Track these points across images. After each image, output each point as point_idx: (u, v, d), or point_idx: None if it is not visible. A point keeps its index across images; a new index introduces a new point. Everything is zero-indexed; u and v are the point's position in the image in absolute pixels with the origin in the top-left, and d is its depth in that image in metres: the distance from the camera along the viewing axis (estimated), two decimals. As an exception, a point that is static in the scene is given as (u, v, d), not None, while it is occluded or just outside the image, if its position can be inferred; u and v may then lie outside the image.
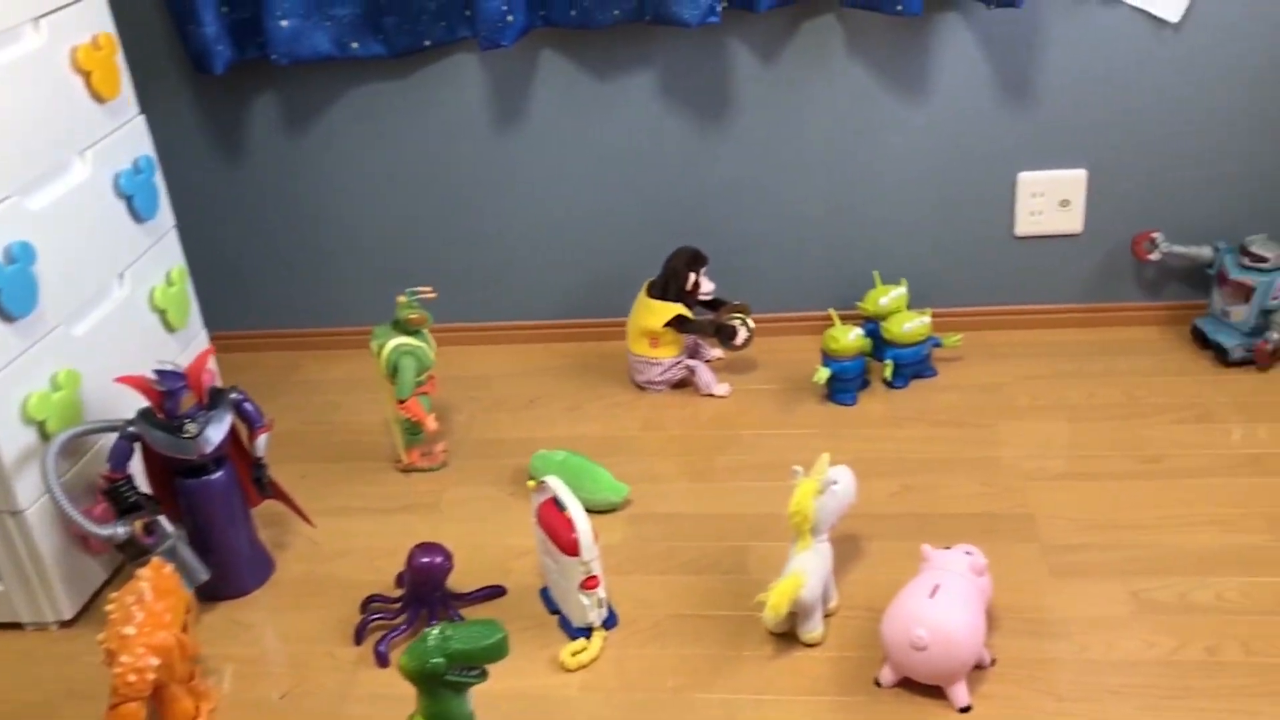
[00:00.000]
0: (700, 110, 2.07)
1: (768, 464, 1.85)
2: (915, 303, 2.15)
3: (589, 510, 1.50)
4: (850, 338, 1.95)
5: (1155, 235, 2.02)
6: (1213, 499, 1.66)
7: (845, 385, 1.99)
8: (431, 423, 1.84)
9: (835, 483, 1.48)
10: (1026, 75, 1.97)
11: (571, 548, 1.46)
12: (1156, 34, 1.92)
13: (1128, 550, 1.58)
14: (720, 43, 2.01)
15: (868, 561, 1.62)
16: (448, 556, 1.54)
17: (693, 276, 2.00)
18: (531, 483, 1.53)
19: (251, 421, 1.67)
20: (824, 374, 1.95)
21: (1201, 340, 2.03)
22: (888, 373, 2.00)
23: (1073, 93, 1.97)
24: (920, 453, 1.85)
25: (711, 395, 2.06)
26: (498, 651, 1.22)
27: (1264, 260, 1.91)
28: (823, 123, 2.05)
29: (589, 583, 1.49)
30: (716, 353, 2.13)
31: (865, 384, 2.03)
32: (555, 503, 1.50)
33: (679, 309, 2.01)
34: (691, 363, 2.06)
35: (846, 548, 1.63)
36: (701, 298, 2.04)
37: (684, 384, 2.09)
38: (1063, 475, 1.75)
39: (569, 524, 1.47)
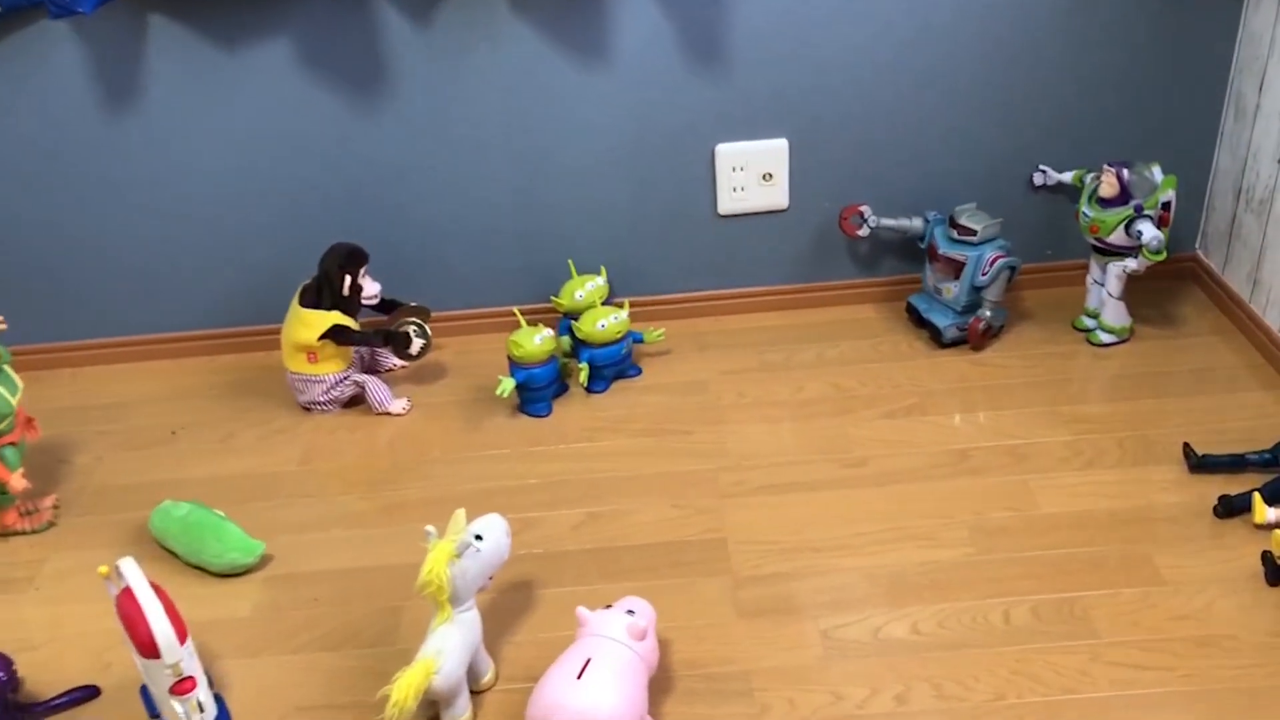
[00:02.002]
0: (351, 83, 1.78)
1: (442, 498, 1.61)
2: (618, 292, 1.94)
3: (217, 574, 1.22)
4: (536, 341, 1.72)
5: (863, 209, 1.86)
6: (916, 508, 1.51)
7: (537, 394, 1.76)
8: (18, 481, 1.51)
9: (477, 542, 1.25)
10: (715, 35, 1.76)
11: (149, 648, 1.19)
12: (850, -12, 1.75)
13: (822, 579, 1.42)
14: (361, 2, 1.72)
15: (538, 615, 1.41)
16: (6, 667, 1.25)
17: (349, 279, 1.72)
18: (103, 569, 1.23)
19: None
20: (508, 386, 1.71)
21: (917, 319, 1.89)
22: (582, 378, 1.78)
23: (766, 54, 1.77)
24: (614, 470, 1.64)
25: (388, 414, 1.80)
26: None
27: (972, 233, 1.77)
28: (493, 94, 1.79)
29: (181, 687, 1.22)
30: (397, 361, 1.87)
31: (563, 389, 1.81)
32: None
33: (336, 317, 1.73)
34: (361, 378, 1.79)
35: (514, 599, 1.42)
36: (366, 301, 1.76)
37: (358, 400, 1.82)
38: (761, 489, 1.58)
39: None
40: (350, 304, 1.74)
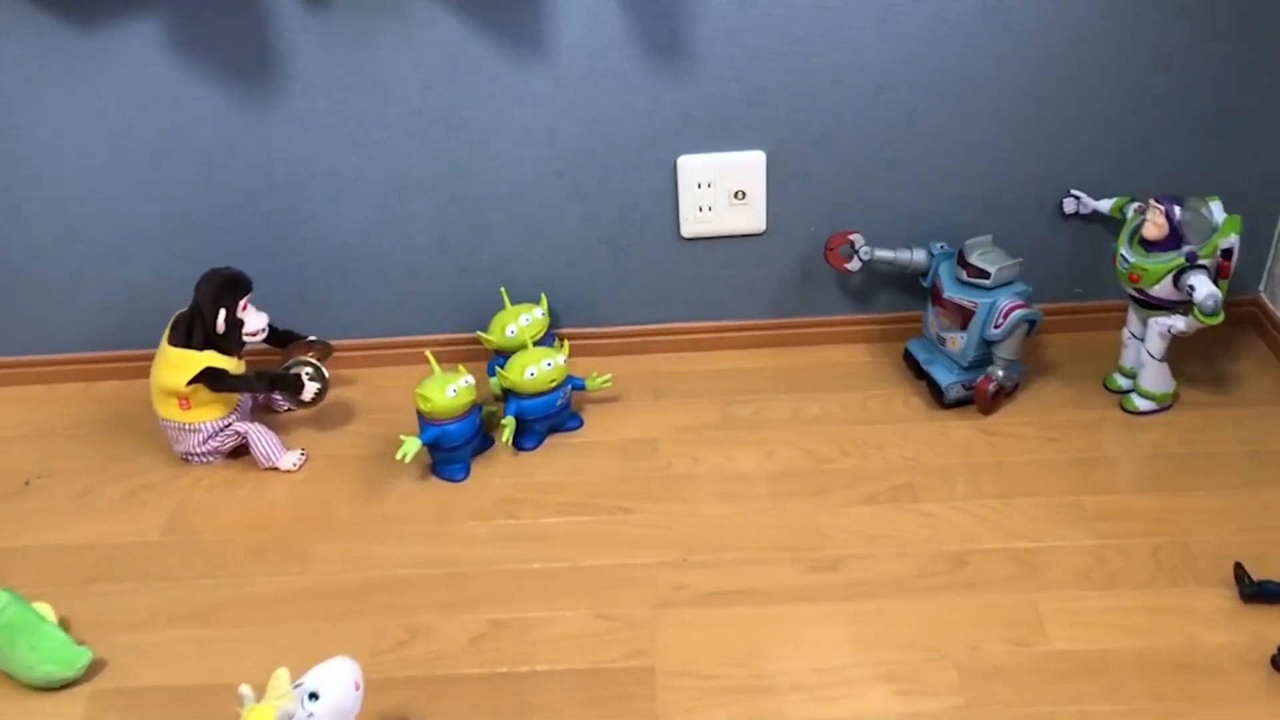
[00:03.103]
0: (237, 73, 1.47)
1: (320, 590, 1.32)
2: (562, 323, 1.64)
3: (33, 687, 0.98)
4: (449, 393, 1.42)
5: (854, 237, 1.55)
6: (896, 634, 1.21)
7: (451, 455, 1.47)
8: None
9: (310, 704, 0.97)
10: (678, 24, 1.44)
11: None
12: (846, -31, 1.42)
13: (768, 733, 1.13)
14: (244, -22, 1.41)
15: (410, 767, 1.13)
16: None
17: (224, 312, 1.43)
18: None
19: None
20: (410, 449, 1.41)
21: (916, 368, 1.58)
22: (505, 436, 1.48)
23: (740, 49, 1.45)
24: (533, 559, 1.35)
25: (275, 469, 1.51)
26: None
27: (985, 276, 1.45)
28: (408, 90, 1.48)
29: None
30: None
31: (486, 444, 1.52)
32: None
33: (209, 359, 1.44)
34: (244, 427, 1.50)
35: (381, 747, 1.14)
36: (249, 339, 1.47)
37: (246, 449, 1.53)
38: (706, 596, 1.28)
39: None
40: (228, 341, 1.45)
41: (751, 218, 1.57)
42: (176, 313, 1.47)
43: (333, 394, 1.63)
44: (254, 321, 1.46)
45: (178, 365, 1.43)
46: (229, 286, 1.43)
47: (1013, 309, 1.44)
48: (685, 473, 1.46)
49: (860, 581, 1.28)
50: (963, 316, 1.48)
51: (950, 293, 1.48)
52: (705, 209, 1.56)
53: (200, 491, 1.49)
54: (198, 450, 1.50)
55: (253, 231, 1.58)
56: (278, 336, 1.54)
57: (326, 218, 1.57)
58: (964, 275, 1.47)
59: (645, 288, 1.63)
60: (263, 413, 1.61)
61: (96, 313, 1.66)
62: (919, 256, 1.54)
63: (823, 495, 1.41)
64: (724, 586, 1.29)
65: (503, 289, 1.58)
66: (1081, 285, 1.63)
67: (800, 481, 1.43)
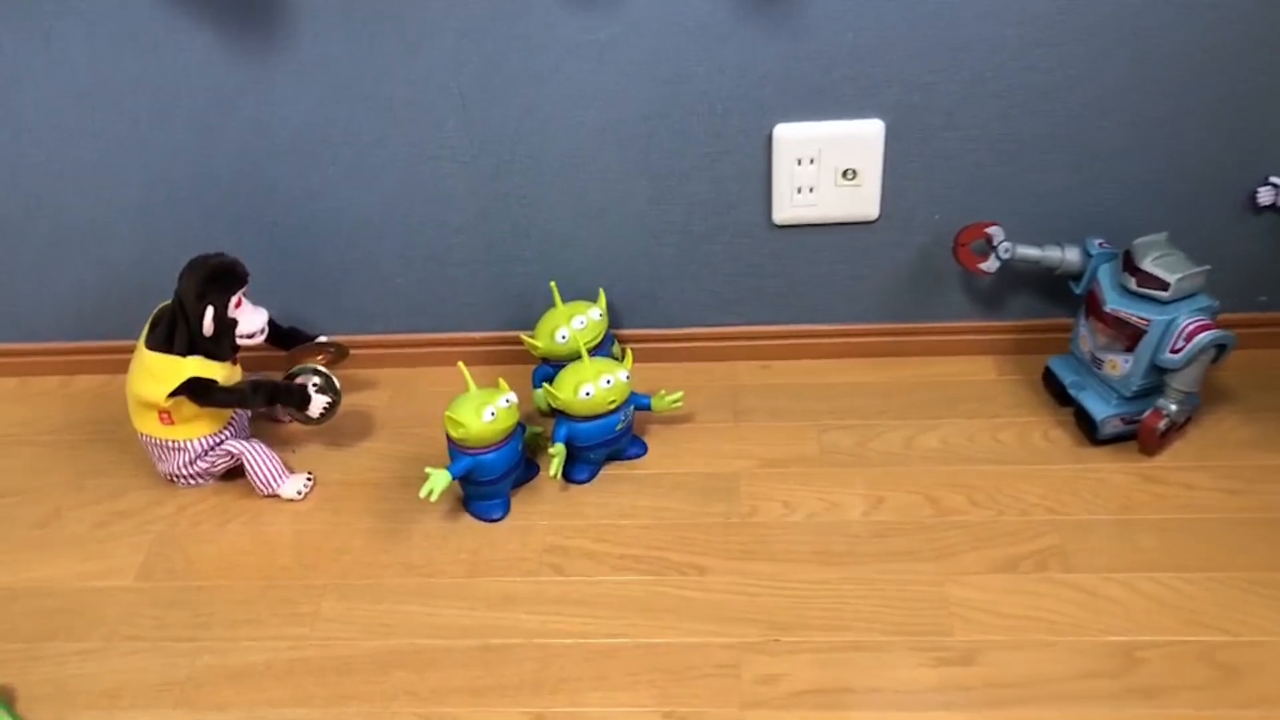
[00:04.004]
0: (233, 13, 1.18)
1: (319, 665, 1.06)
2: (624, 324, 1.37)
3: None
4: (486, 416, 1.15)
5: (992, 230, 1.25)
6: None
7: (487, 489, 1.20)
8: None
9: None
10: (783, -41, 1.14)
11: None
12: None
13: None
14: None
15: None
16: None
17: (212, 310, 1.16)
18: None
19: None
20: (438, 485, 1.14)
21: (1058, 392, 1.28)
22: (554, 469, 1.21)
23: (861, -9, 1.15)
24: (582, 628, 1.08)
25: (275, 497, 1.26)
26: None
27: (1162, 286, 1.15)
28: (443, 40, 1.19)
29: None
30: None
31: (530, 474, 1.25)
32: None
33: (194, 367, 1.17)
34: (240, 446, 1.24)
35: None
36: (245, 341, 1.20)
37: (243, 469, 1.27)
38: (802, 695, 0.99)
39: None
40: (218, 345, 1.18)
41: (862, 202, 1.27)
42: (158, 306, 1.21)
43: (350, 402, 1.37)
44: (250, 321, 1.19)
45: (157, 374, 1.17)
46: (218, 279, 1.16)
47: (1198, 329, 1.13)
48: (773, 520, 1.18)
49: (1002, 682, 1.00)
50: (1128, 335, 1.17)
51: (1114, 305, 1.18)
52: (805, 190, 1.26)
53: (185, 523, 1.24)
54: (183, 472, 1.25)
55: (253, 207, 1.31)
56: (281, 337, 1.27)
57: (342, 191, 1.30)
58: (1133, 284, 1.16)
59: (726, 284, 1.34)
60: (264, 423, 1.35)
61: (74, 298, 1.40)
62: (1072, 256, 1.24)
63: (949, 558, 1.12)
64: (826, 681, 1.01)
65: (552, 283, 1.30)
66: (1267, 293, 1.32)
67: (919, 538, 1.15)
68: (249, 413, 1.29)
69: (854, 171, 1.25)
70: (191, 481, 1.27)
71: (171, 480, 1.27)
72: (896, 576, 1.11)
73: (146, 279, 1.34)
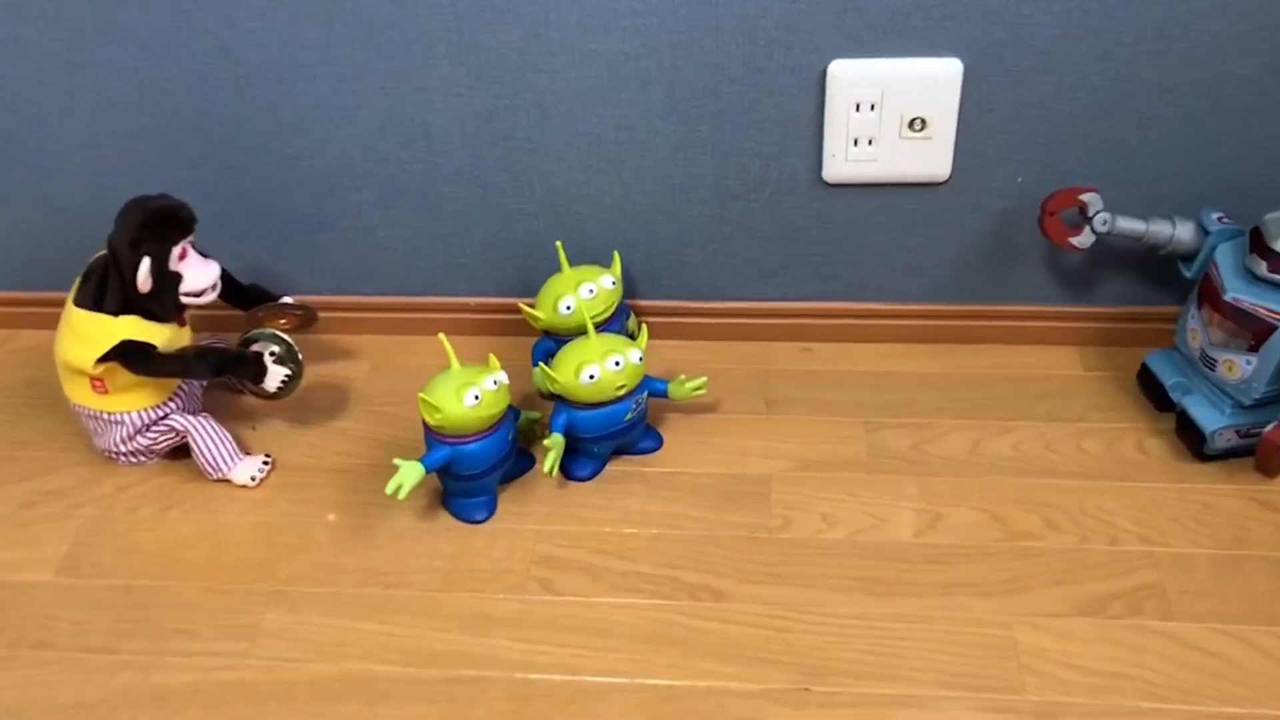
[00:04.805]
0: (186, -92, 1.00)
1: (262, 691, 0.89)
2: (640, 294, 1.17)
3: None
4: (468, 400, 0.96)
5: (1087, 198, 1.03)
6: None
7: (469, 485, 1.01)
8: None
9: None
10: None
11: None
12: None
13: None
14: None
15: None
16: None
17: (148, 261, 0.97)
18: None
19: None
20: (409, 478, 0.96)
21: (1157, 394, 1.08)
22: (549, 464, 1.02)
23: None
24: (574, 662, 0.89)
25: (226, 482, 1.08)
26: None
27: (1298, 271, 0.94)
28: (430, -56, 1.00)
29: None
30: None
31: (523, 466, 1.07)
32: None
33: (128, 327, 0.99)
34: (185, 422, 1.06)
35: None
36: (190, 299, 1.02)
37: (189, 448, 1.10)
38: (840, 764, 0.82)
39: None
40: (158, 302, 1.00)
41: (932, 158, 1.06)
42: (92, 258, 1.03)
43: (321, 373, 1.19)
44: (197, 276, 1.01)
45: (84, 335, 0.99)
46: (157, 225, 0.97)
47: (1344, 327, 0.92)
48: (808, 536, 0.99)
49: (1087, 761, 0.81)
50: (1254, 331, 0.96)
51: (1236, 292, 0.96)
52: (863, 142, 1.05)
53: (120, 507, 1.07)
54: (121, 449, 1.07)
55: (215, 142, 1.12)
56: (240, 295, 1.09)
57: (317, 128, 1.11)
58: (1262, 269, 0.95)
59: (764, 250, 1.14)
60: (223, 393, 1.17)
61: (18, 242, 1.23)
62: (1183, 232, 1.02)
63: (1020, 594, 0.93)
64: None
65: (559, 243, 1.11)
66: None
67: (984, 567, 0.95)
68: (202, 382, 1.11)
69: (923, 121, 1.04)
70: (132, 459, 1.09)
71: (111, 457, 1.10)
72: (955, 614, 0.91)
73: (97, 222, 1.15)
